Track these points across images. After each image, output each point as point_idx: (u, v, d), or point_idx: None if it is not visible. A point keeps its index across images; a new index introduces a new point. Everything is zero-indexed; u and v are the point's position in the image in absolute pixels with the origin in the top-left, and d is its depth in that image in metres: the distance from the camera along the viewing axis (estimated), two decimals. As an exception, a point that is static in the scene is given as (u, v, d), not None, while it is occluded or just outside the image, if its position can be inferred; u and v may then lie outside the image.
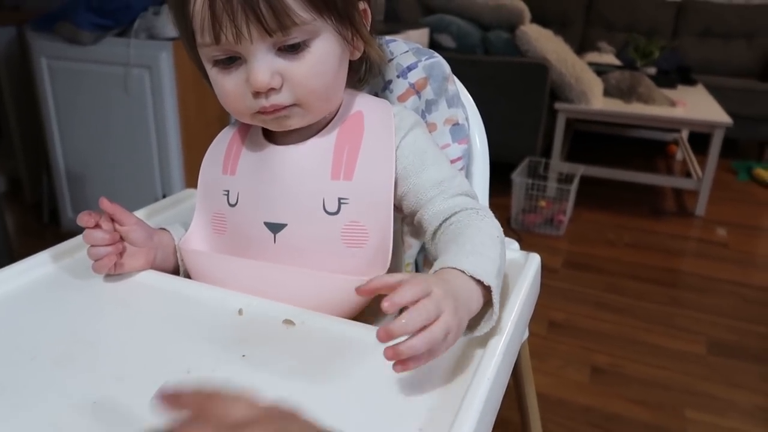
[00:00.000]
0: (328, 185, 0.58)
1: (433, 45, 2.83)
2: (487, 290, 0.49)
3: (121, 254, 0.60)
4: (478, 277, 0.49)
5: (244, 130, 0.65)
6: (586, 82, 2.69)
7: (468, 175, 0.76)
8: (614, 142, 3.81)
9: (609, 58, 3.66)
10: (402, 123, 0.61)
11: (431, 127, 0.71)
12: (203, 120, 2.02)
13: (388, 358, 0.42)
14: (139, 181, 2.10)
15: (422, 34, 2.71)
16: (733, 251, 2.38)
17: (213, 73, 0.56)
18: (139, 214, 0.77)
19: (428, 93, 0.70)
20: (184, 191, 0.85)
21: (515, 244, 0.71)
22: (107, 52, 1.98)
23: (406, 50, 0.71)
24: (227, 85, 0.55)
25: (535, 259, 0.64)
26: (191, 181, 2.07)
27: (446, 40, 2.83)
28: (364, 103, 0.62)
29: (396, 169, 0.59)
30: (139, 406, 0.44)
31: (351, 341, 0.52)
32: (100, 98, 2.05)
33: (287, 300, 0.56)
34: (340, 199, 0.57)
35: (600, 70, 3.01)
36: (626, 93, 2.82)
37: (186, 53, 0.59)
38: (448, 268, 0.49)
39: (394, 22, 2.83)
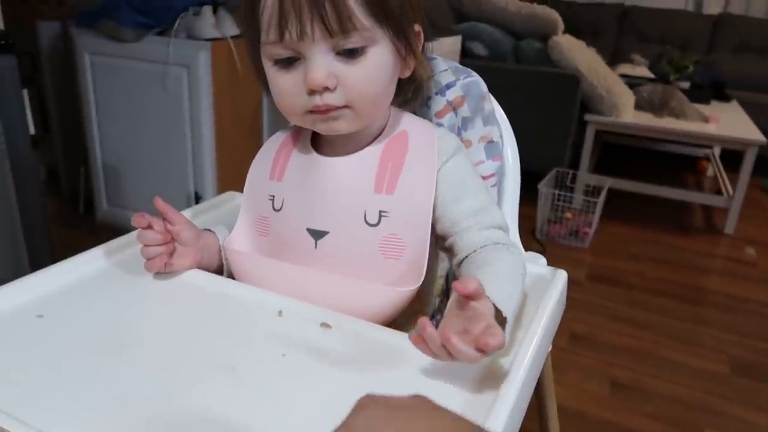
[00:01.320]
0: (371, 198, 0.61)
1: (465, 52, 2.84)
2: (502, 321, 0.51)
3: (171, 254, 0.63)
4: (499, 306, 0.51)
5: (294, 138, 0.68)
6: (618, 94, 2.68)
7: (499, 189, 0.78)
8: (644, 156, 3.78)
9: (642, 71, 3.63)
10: (445, 147, 0.63)
11: (466, 144, 0.73)
12: (237, 120, 2.07)
13: (444, 338, 0.46)
14: (172, 177, 2.16)
15: (455, 42, 2.73)
16: (762, 271, 2.35)
17: (272, 72, 0.59)
18: (185, 213, 0.81)
19: (465, 111, 0.73)
20: (226, 194, 0.89)
21: (542, 259, 0.73)
22: (148, 50, 2.03)
23: (445, 69, 0.74)
24: (285, 84, 0.58)
25: (561, 276, 0.66)
26: (223, 179, 2.12)
27: (478, 48, 2.85)
28: (409, 123, 0.65)
29: (435, 191, 0.61)
30: (184, 399, 0.47)
31: (384, 346, 0.54)
32: (138, 94, 2.11)
33: (325, 304, 0.59)
34: (381, 211, 0.60)
35: (632, 82, 2.99)
36: (658, 107, 2.80)
37: (245, 55, 0.63)
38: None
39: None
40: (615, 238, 2.57)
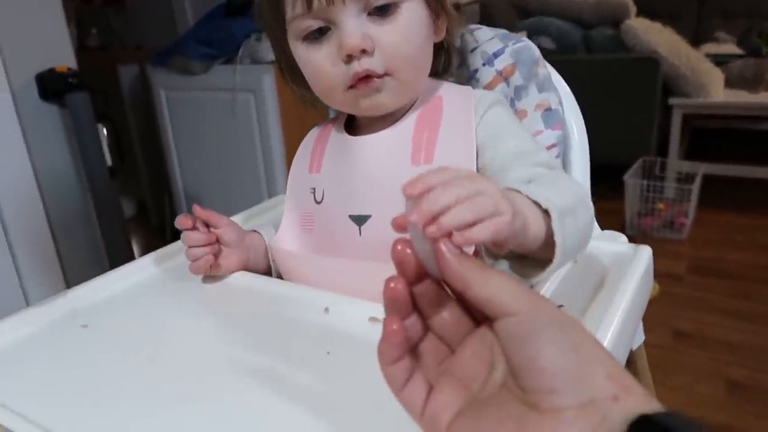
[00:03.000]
0: (409, 171, 0.56)
1: (532, 48, 2.75)
2: (547, 217, 0.42)
3: (216, 255, 0.61)
4: (534, 198, 0.42)
5: (329, 128, 0.65)
6: (704, 72, 2.48)
7: (566, 163, 0.70)
8: (740, 137, 3.48)
9: (729, 48, 3.36)
10: (481, 101, 0.58)
11: (521, 114, 0.67)
12: (304, 136, 2.08)
13: (429, 234, 0.31)
14: (248, 198, 2.20)
15: (520, 38, 2.64)
16: None
17: (303, 50, 0.56)
18: (236, 218, 0.80)
19: (517, 79, 0.66)
20: (276, 197, 0.87)
21: (623, 237, 0.64)
22: (215, 79, 2.10)
23: (491, 36, 0.68)
24: (319, 58, 0.55)
25: (645, 252, 0.57)
26: (295, 197, 2.14)
27: (545, 42, 2.74)
28: (444, 89, 0.61)
29: (476, 148, 0.56)
30: (227, 400, 0.43)
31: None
32: (211, 123, 2.19)
33: (375, 294, 0.54)
34: None
35: (719, 60, 2.76)
36: (751, 82, 2.57)
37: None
38: (507, 189, 0.43)
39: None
40: (716, 227, 2.36)
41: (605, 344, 0.45)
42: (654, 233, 2.31)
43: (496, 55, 0.67)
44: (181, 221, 0.60)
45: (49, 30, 1.46)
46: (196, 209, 0.61)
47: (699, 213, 2.41)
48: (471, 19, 2.97)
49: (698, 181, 2.32)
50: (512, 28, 2.73)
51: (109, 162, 1.46)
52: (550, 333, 0.29)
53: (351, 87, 0.55)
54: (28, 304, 1.50)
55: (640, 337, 0.69)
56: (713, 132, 3.45)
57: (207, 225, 0.62)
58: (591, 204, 0.52)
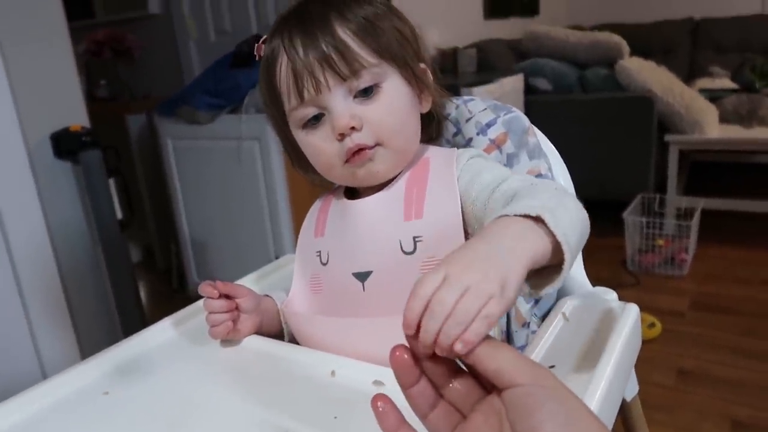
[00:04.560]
0: (403, 227, 0.61)
1: (529, 89, 2.81)
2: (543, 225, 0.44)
3: (234, 321, 0.66)
4: (521, 212, 0.44)
5: (330, 197, 0.70)
6: (698, 110, 2.54)
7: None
8: (738, 171, 3.52)
9: (724, 82, 3.43)
10: (462, 156, 0.64)
11: (513, 181, 0.71)
12: (309, 184, 2.13)
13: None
14: (254, 245, 2.24)
15: (517, 80, 2.71)
16: None
17: (303, 136, 0.63)
18: (249, 278, 0.85)
19: (509, 147, 0.71)
20: (285, 256, 0.91)
21: (612, 294, 0.68)
22: (221, 128, 2.16)
23: (484, 108, 0.73)
24: (317, 140, 0.62)
25: (633, 310, 0.61)
26: (300, 241, 2.18)
27: (542, 83, 2.81)
28: (431, 151, 0.67)
29: (459, 193, 0.60)
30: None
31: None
32: (217, 170, 2.24)
33: (381, 351, 0.57)
34: (414, 237, 0.60)
35: (714, 95, 2.83)
36: (746, 117, 2.62)
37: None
38: (492, 221, 0.45)
39: (487, 72, 2.86)
40: (717, 262, 2.38)
41: (596, 399, 0.48)
42: (655, 270, 2.33)
43: (488, 125, 0.71)
44: (205, 290, 0.65)
45: (64, 90, 1.52)
46: (218, 285, 0.65)
47: (699, 248, 2.44)
48: (469, 63, 3.01)
49: (697, 216, 2.35)
50: (509, 71, 2.81)
51: (119, 215, 1.51)
52: (550, 406, 0.33)
53: (347, 161, 0.61)
54: (37, 352, 1.53)
55: (633, 388, 0.72)
56: (711, 165, 3.49)
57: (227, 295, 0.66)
58: (568, 192, 0.54)
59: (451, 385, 0.38)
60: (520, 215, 0.44)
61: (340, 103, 0.59)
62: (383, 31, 0.60)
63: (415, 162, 0.65)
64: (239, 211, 2.25)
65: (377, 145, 0.60)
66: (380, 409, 0.38)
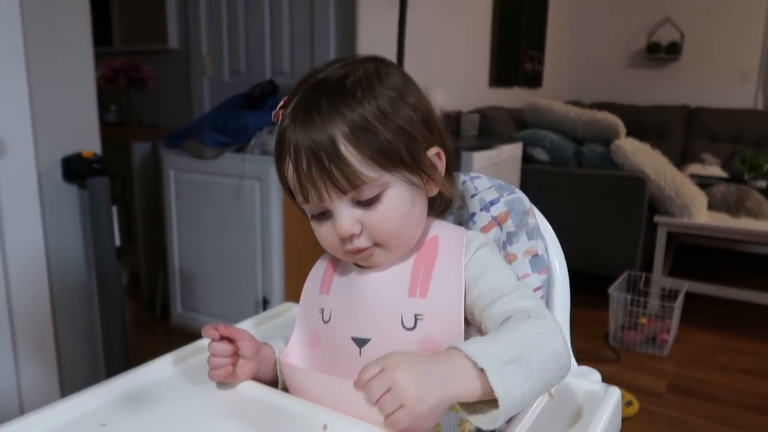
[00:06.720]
0: (406, 303, 0.63)
1: (527, 158, 2.90)
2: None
3: (234, 365, 0.67)
4: (473, 358, 0.51)
5: (337, 258, 0.72)
6: (688, 195, 2.62)
7: (549, 301, 0.78)
8: (725, 257, 3.60)
9: (714, 170, 3.54)
10: (471, 242, 0.67)
11: (511, 257, 0.75)
12: (305, 230, 2.15)
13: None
14: (243, 283, 2.25)
15: (515, 148, 2.80)
16: None
17: (313, 223, 0.67)
18: (248, 322, 0.87)
19: (509, 226, 0.75)
20: (284, 304, 0.94)
21: (596, 375, 0.71)
22: (225, 165, 2.21)
23: (489, 186, 0.77)
24: (322, 233, 0.66)
25: (615, 393, 0.64)
26: (290, 286, 2.19)
27: (539, 153, 2.90)
28: (441, 229, 0.69)
29: (465, 283, 0.63)
30: None
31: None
32: (215, 206, 2.27)
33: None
34: (416, 315, 0.63)
35: (704, 182, 2.93)
36: (733, 207, 2.71)
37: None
38: (451, 348, 0.54)
39: (488, 137, 2.95)
40: (697, 346, 2.41)
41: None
42: (636, 348, 2.36)
43: (492, 203, 0.76)
44: (209, 332, 0.67)
45: (81, 117, 1.57)
46: (221, 328, 0.67)
47: (681, 330, 2.47)
48: (471, 126, 3.10)
49: (681, 299, 2.40)
50: (509, 138, 2.90)
51: (117, 243, 1.53)
52: None
53: (348, 252, 0.65)
54: (17, 371, 1.52)
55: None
56: (697, 249, 3.57)
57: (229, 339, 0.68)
58: (561, 341, 0.58)
59: None
60: (471, 360, 0.52)
61: (343, 209, 0.62)
62: (390, 133, 0.61)
63: (423, 240, 0.68)
64: (232, 248, 2.27)
65: (375, 245, 0.64)
66: None
